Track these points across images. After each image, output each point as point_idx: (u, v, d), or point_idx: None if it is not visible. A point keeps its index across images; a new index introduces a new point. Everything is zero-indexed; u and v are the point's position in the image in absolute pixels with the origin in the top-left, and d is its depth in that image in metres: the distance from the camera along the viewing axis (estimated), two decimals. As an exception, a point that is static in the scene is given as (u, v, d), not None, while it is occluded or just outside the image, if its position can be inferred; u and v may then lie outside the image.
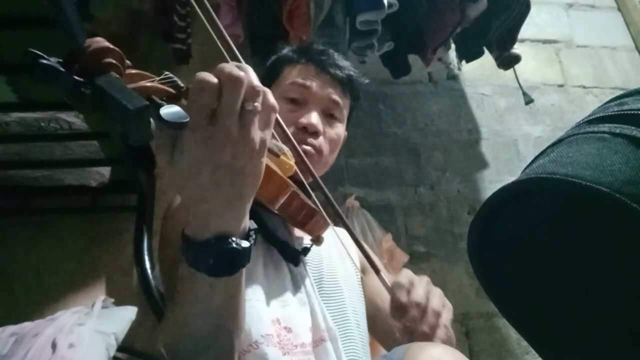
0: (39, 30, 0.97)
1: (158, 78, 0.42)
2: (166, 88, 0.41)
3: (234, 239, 0.45)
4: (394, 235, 1.70)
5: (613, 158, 0.32)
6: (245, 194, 0.45)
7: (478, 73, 2.24)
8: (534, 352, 0.44)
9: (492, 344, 1.75)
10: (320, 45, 0.89)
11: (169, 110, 0.37)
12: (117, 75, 0.37)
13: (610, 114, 0.37)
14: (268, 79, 0.88)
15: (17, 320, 1.08)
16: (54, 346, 0.98)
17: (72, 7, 0.90)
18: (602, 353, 0.37)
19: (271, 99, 0.44)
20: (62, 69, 0.35)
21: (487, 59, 1.91)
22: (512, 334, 1.75)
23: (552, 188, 0.35)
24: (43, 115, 1.22)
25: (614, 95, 0.39)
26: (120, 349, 1.12)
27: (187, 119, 0.37)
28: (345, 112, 0.87)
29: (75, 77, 0.35)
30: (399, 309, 0.62)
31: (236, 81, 0.40)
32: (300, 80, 0.81)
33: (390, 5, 1.41)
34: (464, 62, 1.97)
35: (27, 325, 1.06)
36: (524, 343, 1.56)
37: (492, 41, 1.79)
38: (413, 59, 1.85)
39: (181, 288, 0.51)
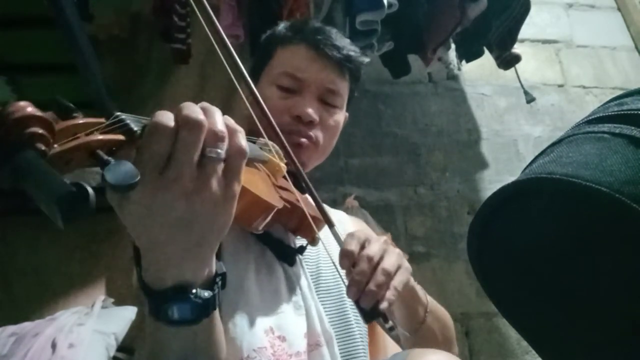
0: (39, 30, 0.97)
1: (107, 123, 0.36)
2: (115, 137, 0.35)
3: (194, 290, 0.41)
4: (393, 235, 1.70)
5: (613, 158, 0.32)
6: (204, 244, 0.41)
7: (478, 73, 2.24)
8: (534, 352, 0.44)
9: (492, 344, 1.75)
10: (316, 22, 0.82)
11: (115, 172, 0.31)
12: (43, 149, 0.31)
13: (610, 114, 0.37)
14: (259, 61, 0.82)
15: (17, 320, 1.08)
16: (54, 346, 0.98)
17: (72, 7, 0.90)
18: (602, 353, 0.37)
19: (241, 141, 0.39)
20: None
21: (487, 59, 1.91)
22: (512, 334, 1.75)
23: (552, 188, 0.35)
24: (43, 115, 1.22)
25: (614, 95, 0.39)
26: (120, 349, 1.12)
27: (138, 178, 0.31)
28: (345, 96, 0.81)
29: None
30: (347, 257, 0.57)
31: (194, 124, 0.35)
32: (291, 70, 0.75)
33: (390, 5, 1.41)
34: (464, 62, 1.97)
35: (27, 325, 1.06)
36: (524, 343, 1.56)
37: (492, 41, 1.79)
38: (413, 59, 1.85)
39: (146, 327, 0.46)
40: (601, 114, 0.38)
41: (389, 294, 0.56)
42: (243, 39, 1.60)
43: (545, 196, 0.36)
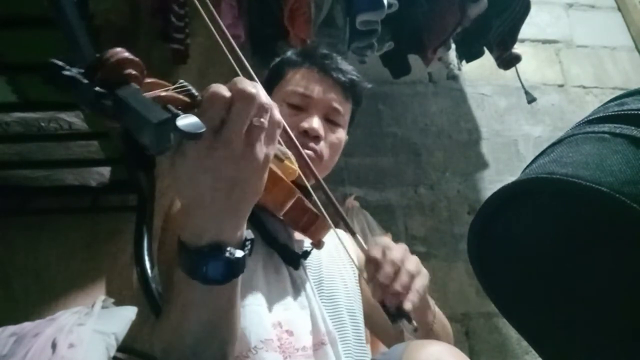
0: (39, 30, 0.97)
1: (173, 87, 0.42)
2: (181, 97, 0.41)
3: (228, 248, 0.45)
4: (394, 235, 1.70)
5: (613, 158, 0.32)
6: (242, 206, 0.45)
7: (478, 73, 2.24)
8: (534, 352, 0.44)
9: (492, 344, 1.75)
10: (324, 49, 0.90)
11: (185, 121, 0.36)
12: (138, 87, 0.37)
13: (610, 114, 0.37)
14: (271, 80, 0.88)
15: (17, 320, 1.08)
16: (54, 346, 0.98)
17: (72, 7, 0.90)
18: (602, 353, 0.37)
19: (277, 115, 0.44)
20: (84, 80, 0.35)
21: (487, 59, 1.91)
22: (512, 334, 1.75)
23: (552, 188, 0.35)
24: (43, 115, 1.22)
25: (614, 95, 0.39)
26: (120, 349, 1.12)
27: (204, 129, 0.36)
28: (347, 117, 0.87)
29: (97, 89, 0.35)
30: (372, 263, 0.63)
31: (248, 97, 0.40)
32: (301, 90, 0.81)
33: (390, 5, 1.41)
34: (464, 62, 1.97)
35: (27, 325, 1.06)
36: (524, 343, 1.56)
37: (492, 41, 1.79)
38: (413, 59, 1.85)
39: (177, 292, 0.51)
40: (601, 114, 0.38)
41: (412, 296, 0.61)
42: (243, 39, 1.60)
43: (546, 196, 0.36)
